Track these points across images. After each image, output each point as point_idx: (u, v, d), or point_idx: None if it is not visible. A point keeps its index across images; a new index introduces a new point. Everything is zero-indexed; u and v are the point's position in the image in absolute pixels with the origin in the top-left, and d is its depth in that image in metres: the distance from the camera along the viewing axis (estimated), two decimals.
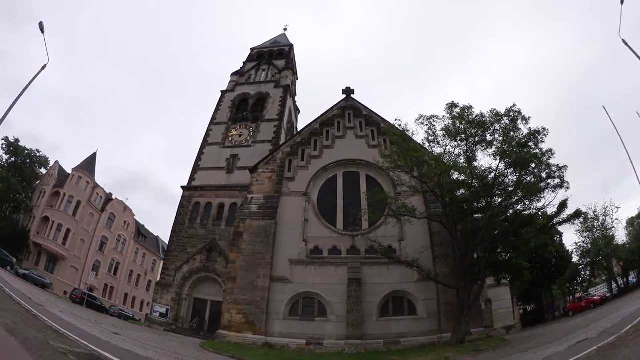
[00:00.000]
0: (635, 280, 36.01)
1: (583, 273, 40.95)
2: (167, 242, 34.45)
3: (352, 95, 30.27)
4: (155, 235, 64.90)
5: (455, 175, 22.61)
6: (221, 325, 21.84)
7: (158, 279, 32.92)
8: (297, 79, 42.20)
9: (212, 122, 35.66)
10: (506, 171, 22.02)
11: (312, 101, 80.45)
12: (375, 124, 28.63)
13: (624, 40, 20.44)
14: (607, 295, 35.28)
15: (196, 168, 32.68)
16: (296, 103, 42.57)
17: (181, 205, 30.83)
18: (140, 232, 58.88)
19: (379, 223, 25.00)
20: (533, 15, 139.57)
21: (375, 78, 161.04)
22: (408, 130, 23.29)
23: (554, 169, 21.48)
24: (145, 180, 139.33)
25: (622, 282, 37.17)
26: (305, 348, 20.67)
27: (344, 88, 30.38)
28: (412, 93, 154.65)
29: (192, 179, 32.16)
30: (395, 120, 23.70)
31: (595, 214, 39.20)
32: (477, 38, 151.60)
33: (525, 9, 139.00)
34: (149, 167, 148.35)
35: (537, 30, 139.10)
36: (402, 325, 22.68)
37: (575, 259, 40.89)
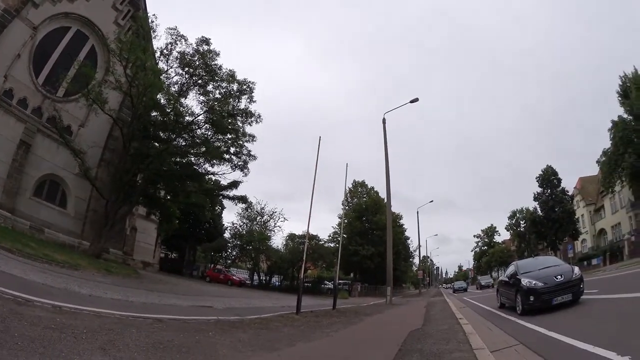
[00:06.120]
0: (278, 283, 42.62)
1: (230, 251, 44.84)
2: None
3: None
4: None
5: (160, 97, 22.35)
6: None
7: None
8: None
9: None
10: (204, 125, 22.69)
11: None
12: (137, 8, 25.54)
13: (384, 119, 25.25)
14: (248, 281, 40.24)
15: None
16: None
17: None
18: None
19: (73, 98, 22.82)
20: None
21: None
22: (155, 31, 22.25)
23: (245, 151, 23.29)
24: None
25: (264, 278, 43.76)
26: None
27: None
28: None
29: None
30: (153, 14, 22.32)
31: (262, 210, 44.40)
32: None
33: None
34: None
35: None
36: (50, 214, 21.76)
37: (227, 235, 45.20)
